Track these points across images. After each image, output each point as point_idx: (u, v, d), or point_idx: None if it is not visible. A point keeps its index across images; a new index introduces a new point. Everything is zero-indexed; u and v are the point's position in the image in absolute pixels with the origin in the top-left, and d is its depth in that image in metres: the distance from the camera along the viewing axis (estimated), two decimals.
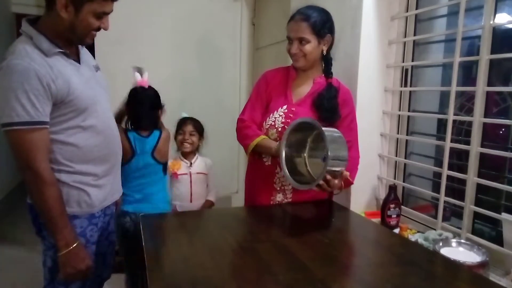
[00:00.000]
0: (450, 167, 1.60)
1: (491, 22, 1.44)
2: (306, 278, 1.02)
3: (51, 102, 1.17)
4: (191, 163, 2.10)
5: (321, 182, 1.31)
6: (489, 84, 1.47)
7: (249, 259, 1.10)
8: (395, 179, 1.94)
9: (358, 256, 1.22)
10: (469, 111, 1.60)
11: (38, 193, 1.17)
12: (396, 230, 1.69)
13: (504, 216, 1.38)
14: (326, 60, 1.57)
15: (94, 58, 3.02)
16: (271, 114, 1.56)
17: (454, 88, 1.55)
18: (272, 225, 1.43)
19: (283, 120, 1.53)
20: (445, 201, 1.61)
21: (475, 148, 1.48)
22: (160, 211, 1.83)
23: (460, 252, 1.33)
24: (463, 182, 1.54)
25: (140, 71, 1.94)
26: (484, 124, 1.49)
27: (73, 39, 1.27)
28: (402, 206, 1.80)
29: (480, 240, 1.45)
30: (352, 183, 1.55)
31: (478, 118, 1.47)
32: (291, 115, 1.53)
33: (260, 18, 3.25)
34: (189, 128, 2.09)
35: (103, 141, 1.32)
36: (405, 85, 1.90)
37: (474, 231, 1.54)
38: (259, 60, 3.29)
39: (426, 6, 1.79)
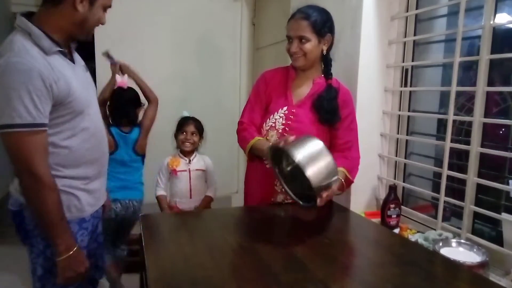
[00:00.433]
0: (450, 167, 1.60)
1: (491, 22, 1.44)
2: (306, 278, 1.02)
3: (51, 104, 1.13)
4: (190, 160, 2.14)
5: (322, 197, 1.27)
6: (490, 84, 1.48)
7: (249, 259, 1.10)
8: (395, 179, 1.94)
9: (358, 256, 1.22)
10: (469, 111, 1.60)
11: (39, 198, 1.13)
12: (396, 230, 1.69)
13: (504, 216, 1.38)
14: (326, 61, 1.56)
15: (95, 57, 3.02)
16: (271, 116, 1.55)
17: (454, 88, 1.55)
18: (272, 225, 1.43)
19: (284, 122, 1.52)
20: (445, 201, 1.61)
21: (475, 148, 1.48)
22: (140, 193, 2.20)
23: (460, 252, 1.33)
24: (463, 182, 1.53)
25: (108, 55, 2.08)
26: (484, 124, 1.49)
27: (79, 35, 1.23)
28: (402, 206, 1.80)
29: (480, 240, 1.45)
30: (352, 182, 1.55)
31: (478, 118, 1.47)
32: (292, 117, 1.52)
33: (260, 18, 3.25)
34: (191, 128, 2.13)
35: (94, 144, 1.29)
36: (405, 85, 1.90)
37: (474, 231, 1.54)
38: (259, 60, 3.29)
39: (426, 6, 1.79)
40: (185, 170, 2.12)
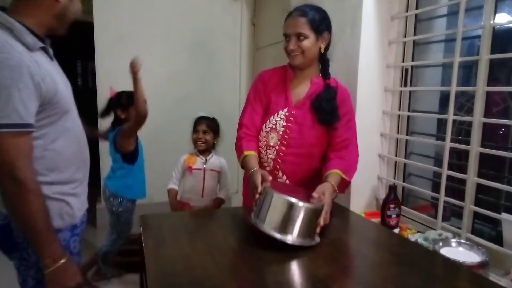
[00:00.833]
0: (450, 167, 1.60)
1: (491, 22, 1.44)
2: (306, 278, 1.02)
3: (38, 103, 1.04)
4: (206, 160, 2.17)
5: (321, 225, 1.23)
6: (490, 84, 1.48)
7: (249, 259, 1.10)
8: (395, 179, 1.94)
9: (358, 256, 1.22)
10: (469, 111, 1.60)
11: (23, 205, 1.03)
12: (396, 230, 1.69)
13: (504, 216, 1.38)
14: (323, 60, 1.54)
15: (94, 58, 3.01)
16: (272, 117, 1.53)
17: (454, 88, 1.55)
18: None
19: (285, 124, 1.50)
20: (445, 201, 1.61)
21: (475, 148, 1.48)
22: (115, 189, 2.26)
23: (460, 252, 1.33)
24: (463, 182, 1.54)
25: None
26: (484, 124, 1.49)
27: (58, 28, 1.15)
28: (402, 206, 1.80)
29: (480, 240, 1.45)
30: (349, 182, 1.51)
31: (478, 118, 1.47)
32: (292, 119, 1.50)
33: (260, 18, 3.25)
34: (202, 127, 2.16)
35: (79, 146, 1.22)
36: (405, 85, 1.90)
37: (474, 231, 1.54)
38: (259, 60, 3.29)
39: (426, 6, 1.79)
40: (200, 169, 2.15)
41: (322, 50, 1.50)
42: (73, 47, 6.27)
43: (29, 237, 1.09)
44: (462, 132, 1.69)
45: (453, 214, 1.71)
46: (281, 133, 1.50)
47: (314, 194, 1.25)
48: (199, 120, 2.20)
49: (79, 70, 7.01)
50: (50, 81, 1.07)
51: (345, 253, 1.22)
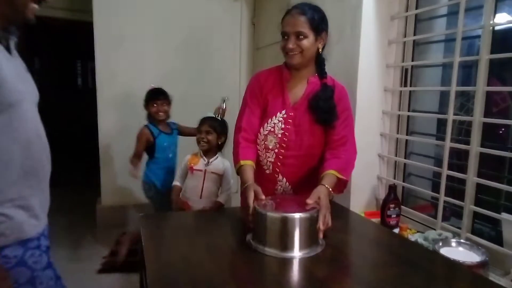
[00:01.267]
0: (450, 167, 1.60)
1: (491, 22, 1.44)
2: (307, 278, 1.02)
3: None
4: (208, 162, 2.13)
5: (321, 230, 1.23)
6: (489, 84, 1.48)
7: (249, 259, 1.10)
8: (395, 179, 1.94)
9: (358, 256, 1.22)
10: (469, 111, 1.60)
11: None
12: (396, 230, 1.69)
13: (504, 216, 1.38)
14: (320, 60, 1.52)
15: (94, 57, 3.00)
16: (270, 120, 1.50)
17: (454, 88, 1.55)
18: None
19: (283, 126, 1.48)
20: (445, 201, 1.61)
21: (475, 148, 1.48)
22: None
23: (460, 252, 1.33)
24: (463, 182, 1.54)
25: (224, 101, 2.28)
26: (484, 124, 1.49)
27: (11, 15, 1.02)
28: (402, 206, 1.80)
29: (480, 240, 1.45)
30: (347, 180, 1.48)
31: (478, 118, 1.47)
32: (290, 121, 1.48)
33: (260, 18, 3.25)
34: (205, 127, 2.12)
35: (27, 149, 1.04)
36: (405, 85, 1.90)
37: (474, 231, 1.54)
38: (259, 59, 3.29)
39: (426, 6, 1.79)
40: (200, 170, 2.13)
41: (320, 50, 1.48)
42: (73, 47, 6.30)
43: None
44: (462, 132, 1.69)
45: (453, 214, 1.71)
46: (279, 135, 1.48)
47: (309, 201, 1.23)
48: (203, 121, 2.17)
49: (79, 70, 7.02)
50: None
51: (345, 253, 1.22)
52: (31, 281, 1.06)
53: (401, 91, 1.91)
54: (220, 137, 2.14)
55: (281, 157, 1.49)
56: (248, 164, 1.45)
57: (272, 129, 1.49)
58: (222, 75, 3.29)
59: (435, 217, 1.67)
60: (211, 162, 2.13)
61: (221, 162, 2.16)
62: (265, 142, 1.50)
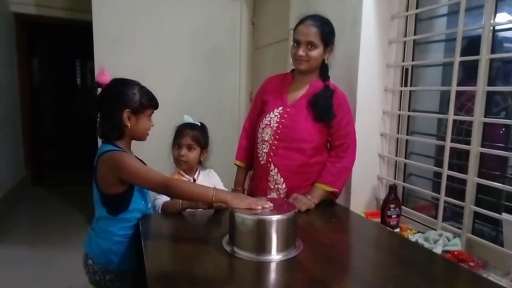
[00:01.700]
0: (450, 167, 1.60)
1: (491, 22, 1.44)
2: (306, 278, 1.01)
3: None
4: (194, 179, 1.68)
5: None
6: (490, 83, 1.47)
7: (249, 259, 1.09)
8: (395, 179, 1.94)
9: (358, 256, 1.21)
10: (469, 111, 1.59)
11: None
12: (396, 230, 1.68)
13: (504, 216, 1.38)
14: (324, 67, 1.63)
15: (93, 57, 3.01)
16: (267, 115, 1.64)
17: (454, 88, 1.54)
18: None
19: (278, 120, 1.60)
20: (445, 201, 1.61)
21: (475, 148, 1.48)
22: None
23: None
24: (463, 182, 1.53)
25: None
26: (484, 124, 1.49)
27: None
28: (402, 206, 1.80)
29: (480, 240, 1.45)
30: (338, 193, 1.62)
31: (478, 118, 1.47)
32: (286, 116, 1.60)
33: (259, 18, 3.24)
34: (187, 140, 1.63)
35: None
36: (405, 85, 1.89)
37: (474, 231, 1.54)
38: (259, 59, 3.28)
39: (426, 5, 1.79)
40: None
41: (326, 60, 1.62)
42: (72, 46, 6.29)
43: None
44: (462, 132, 1.69)
45: (454, 214, 1.71)
46: (274, 128, 1.60)
47: (289, 200, 1.42)
48: (182, 130, 1.66)
49: (78, 70, 7.01)
50: None
51: (345, 253, 1.22)
52: None
53: (401, 91, 1.91)
54: (203, 152, 1.69)
55: (274, 147, 1.60)
56: (241, 166, 1.76)
57: (269, 123, 1.63)
58: (221, 74, 3.29)
59: (435, 217, 1.66)
60: (197, 179, 1.68)
61: (206, 175, 1.72)
62: (262, 135, 1.64)
